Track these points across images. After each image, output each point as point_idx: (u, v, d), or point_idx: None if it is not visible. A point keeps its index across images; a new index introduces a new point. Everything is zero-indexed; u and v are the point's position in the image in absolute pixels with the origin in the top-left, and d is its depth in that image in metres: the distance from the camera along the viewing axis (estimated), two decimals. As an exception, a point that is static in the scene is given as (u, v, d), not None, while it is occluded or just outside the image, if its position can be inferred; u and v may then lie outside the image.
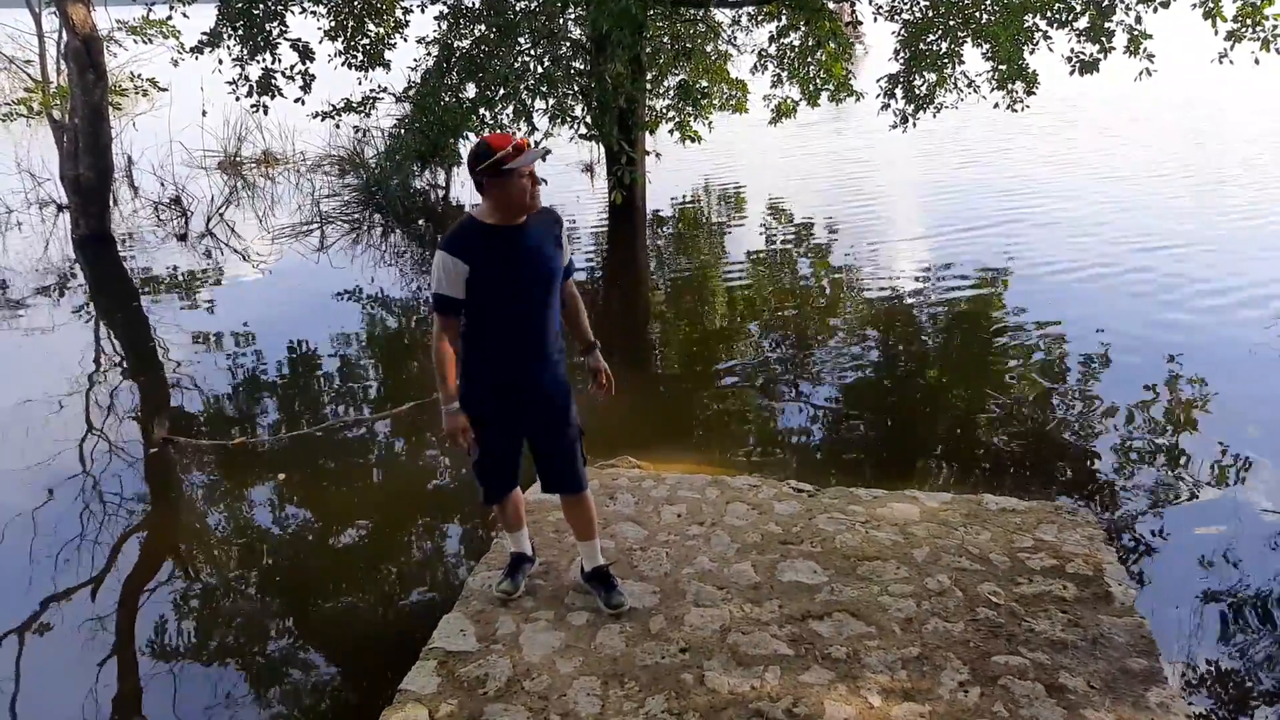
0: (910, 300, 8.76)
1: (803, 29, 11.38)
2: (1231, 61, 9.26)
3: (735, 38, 12.63)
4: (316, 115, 10.53)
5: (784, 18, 11.72)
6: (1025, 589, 3.73)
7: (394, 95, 10.42)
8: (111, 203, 11.57)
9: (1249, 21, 9.26)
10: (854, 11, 11.85)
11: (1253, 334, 7.50)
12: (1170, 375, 6.73)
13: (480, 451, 3.41)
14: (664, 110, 12.18)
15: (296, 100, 10.45)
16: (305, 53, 10.29)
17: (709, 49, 12.36)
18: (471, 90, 9.44)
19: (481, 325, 3.30)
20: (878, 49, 14.87)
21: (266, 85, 10.28)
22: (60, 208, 12.30)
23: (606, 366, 3.56)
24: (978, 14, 10.58)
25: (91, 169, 10.69)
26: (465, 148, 11.16)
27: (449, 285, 3.19)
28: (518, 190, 3.12)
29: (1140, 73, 9.63)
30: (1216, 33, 9.29)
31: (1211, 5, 9.09)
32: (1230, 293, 8.51)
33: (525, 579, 3.76)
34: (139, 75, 12.72)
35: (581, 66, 9.64)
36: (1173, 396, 6.42)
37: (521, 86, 9.10)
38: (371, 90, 10.41)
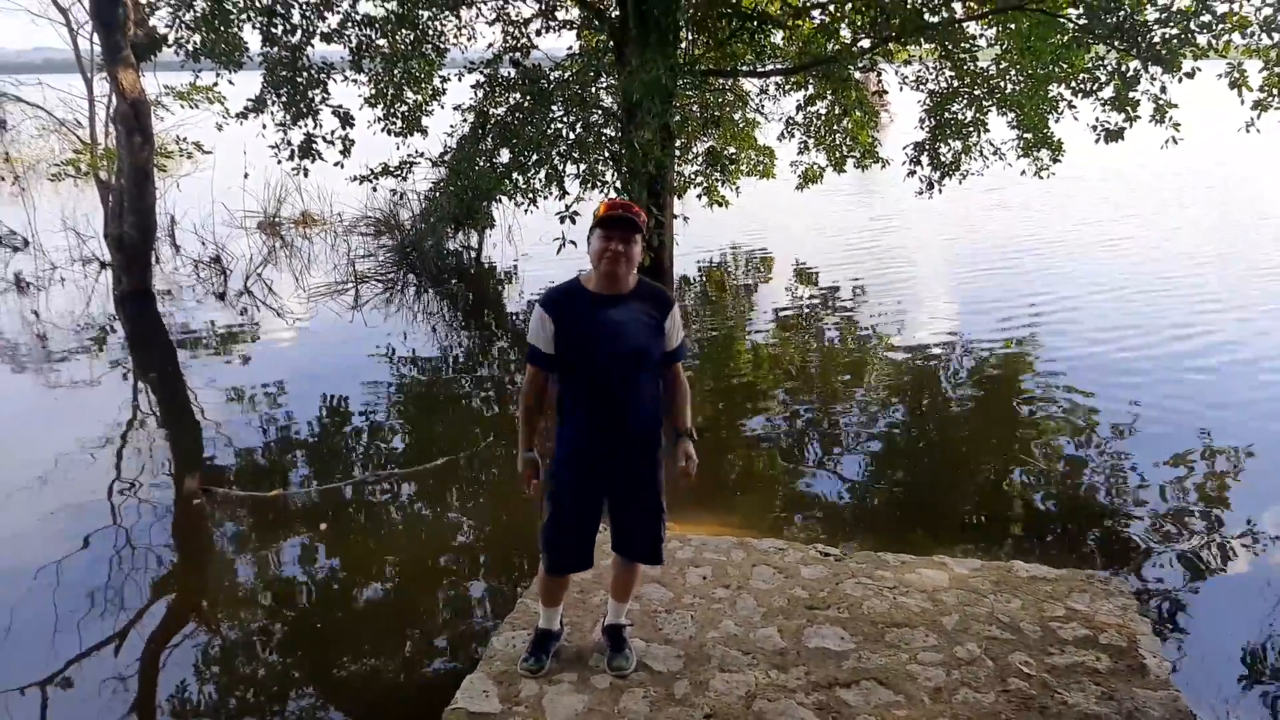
0: (938, 364, 8.75)
1: (829, 98, 11.63)
2: (1259, 130, 9.29)
3: (763, 106, 12.89)
4: (355, 179, 10.83)
5: (811, 87, 11.97)
6: (1057, 659, 3.66)
7: (430, 160, 10.69)
8: (153, 261, 11.89)
9: (1275, 91, 9.32)
10: (880, 81, 12.05)
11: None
12: (1204, 445, 6.65)
13: (552, 513, 3.42)
14: (692, 175, 12.40)
15: (336, 164, 10.76)
16: (346, 119, 10.65)
17: (737, 117, 12.60)
18: (505, 156, 9.68)
19: (567, 386, 3.35)
20: (904, 116, 15.07)
21: (308, 149, 10.65)
22: (103, 265, 12.65)
23: (693, 453, 3.47)
24: (1003, 84, 10.73)
25: (135, 228, 11.03)
26: (498, 211, 11.43)
27: (537, 338, 3.29)
28: (595, 250, 3.20)
29: (1166, 141, 9.68)
30: (1243, 102, 9.34)
31: (1238, 75, 9.16)
32: (1261, 361, 8.44)
33: (550, 660, 3.64)
34: (184, 138, 13.13)
35: (612, 133, 9.85)
36: (1206, 466, 6.34)
37: (554, 152, 9.33)
38: (409, 155, 10.70)
